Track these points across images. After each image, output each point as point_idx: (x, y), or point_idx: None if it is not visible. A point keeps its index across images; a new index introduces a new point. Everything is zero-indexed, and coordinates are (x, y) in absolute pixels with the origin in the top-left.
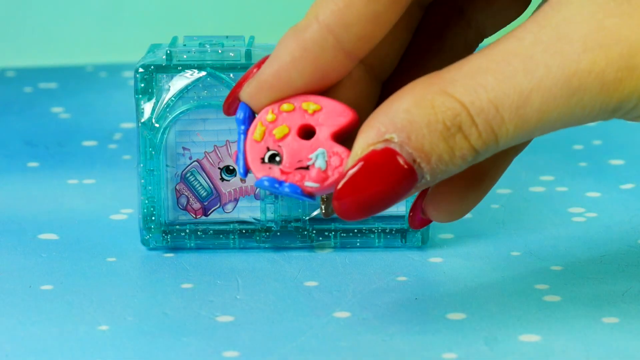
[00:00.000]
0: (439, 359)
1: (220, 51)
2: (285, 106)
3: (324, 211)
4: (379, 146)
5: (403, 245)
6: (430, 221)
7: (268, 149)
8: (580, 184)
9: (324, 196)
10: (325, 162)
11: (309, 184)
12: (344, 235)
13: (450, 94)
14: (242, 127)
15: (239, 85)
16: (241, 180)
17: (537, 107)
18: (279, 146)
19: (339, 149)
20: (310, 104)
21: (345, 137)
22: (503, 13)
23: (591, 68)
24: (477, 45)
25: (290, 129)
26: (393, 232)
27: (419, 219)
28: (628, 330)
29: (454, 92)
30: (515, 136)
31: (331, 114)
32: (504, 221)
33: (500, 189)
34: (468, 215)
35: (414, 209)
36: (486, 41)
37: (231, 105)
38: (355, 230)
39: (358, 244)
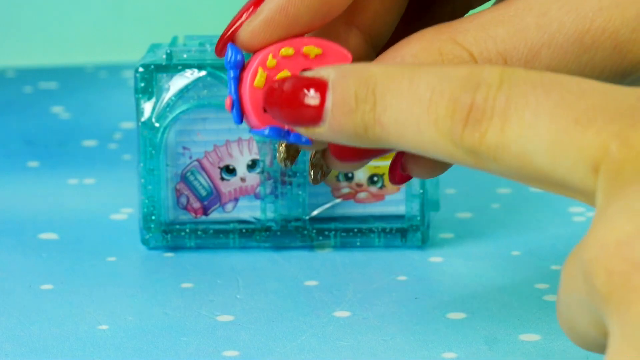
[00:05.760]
0: (439, 359)
1: None
2: (285, 50)
3: (312, 178)
4: None
5: (403, 245)
6: (410, 177)
7: None
8: None
9: (313, 161)
10: None
11: None
12: (344, 234)
13: (460, 42)
14: (234, 72)
15: (235, 23)
16: (241, 179)
17: (547, 62)
18: None
19: None
20: (312, 47)
21: None
22: None
23: (605, 26)
24: (463, 15)
25: (293, 74)
26: (393, 231)
27: (399, 175)
28: None
29: (463, 42)
30: None
31: (334, 58)
32: (504, 221)
33: (500, 188)
34: (468, 215)
35: (393, 164)
36: (472, 12)
37: (226, 44)
38: (356, 230)
39: (358, 243)
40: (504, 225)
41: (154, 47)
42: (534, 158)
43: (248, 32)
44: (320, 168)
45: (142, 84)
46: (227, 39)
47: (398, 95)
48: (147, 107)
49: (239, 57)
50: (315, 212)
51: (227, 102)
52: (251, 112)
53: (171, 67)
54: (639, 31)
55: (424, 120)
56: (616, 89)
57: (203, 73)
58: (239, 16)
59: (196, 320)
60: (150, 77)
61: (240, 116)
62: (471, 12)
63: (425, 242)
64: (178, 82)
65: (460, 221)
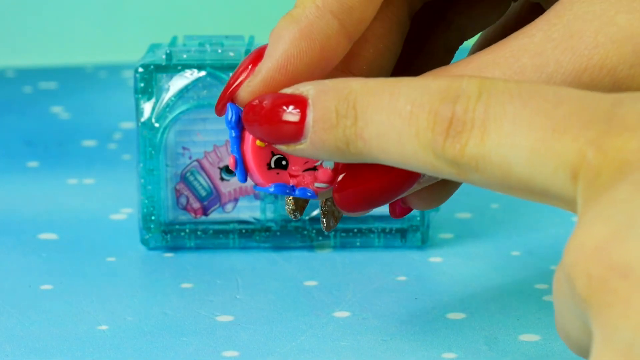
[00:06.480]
0: (439, 359)
1: (220, 51)
2: None
3: (325, 225)
4: None
5: (403, 245)
6: (411, 210)
7: (273, 154)
8: None
9: (324, 209)
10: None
11: (319, 185)
12: (344, 235)
13: None
14: (235, 131)
15: (233, 84)
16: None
17: None
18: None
19: None
20: None
21: None
22: (484, 16)
23: (603, 64)
24: (457, 48)
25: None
26: (393, 231)
27: (399, 208)
28: None
29: None
30: None
31: None
32: (504, 221)
33: None
34: (468, 215)
35: None
36: (466, 43)
37: (226, 104)
38: (355, 230)
39: (358, 243)
40: (504, 225)
41: (153, 47)
42: (514, 167)
43: (248, 92)
44: (332, 214)
45: (142, 84)
46: (227, 99)
47: (379, 109)
48: (147, 107)
49: (238, 117)
50: (315, 212)
51: (231, 161)
52: (255, 171)
53: (171, 67)
54: (637, 67)
55: (406, 133)
56: (592, 95)
57: (203, 73)
58: (237, 75)
59: (196, 320)
60: (150, 77)
61: (245, 175)
62: (465, 42)
63: (425, 243)
64: (178, 83)
65: (460, 221)
